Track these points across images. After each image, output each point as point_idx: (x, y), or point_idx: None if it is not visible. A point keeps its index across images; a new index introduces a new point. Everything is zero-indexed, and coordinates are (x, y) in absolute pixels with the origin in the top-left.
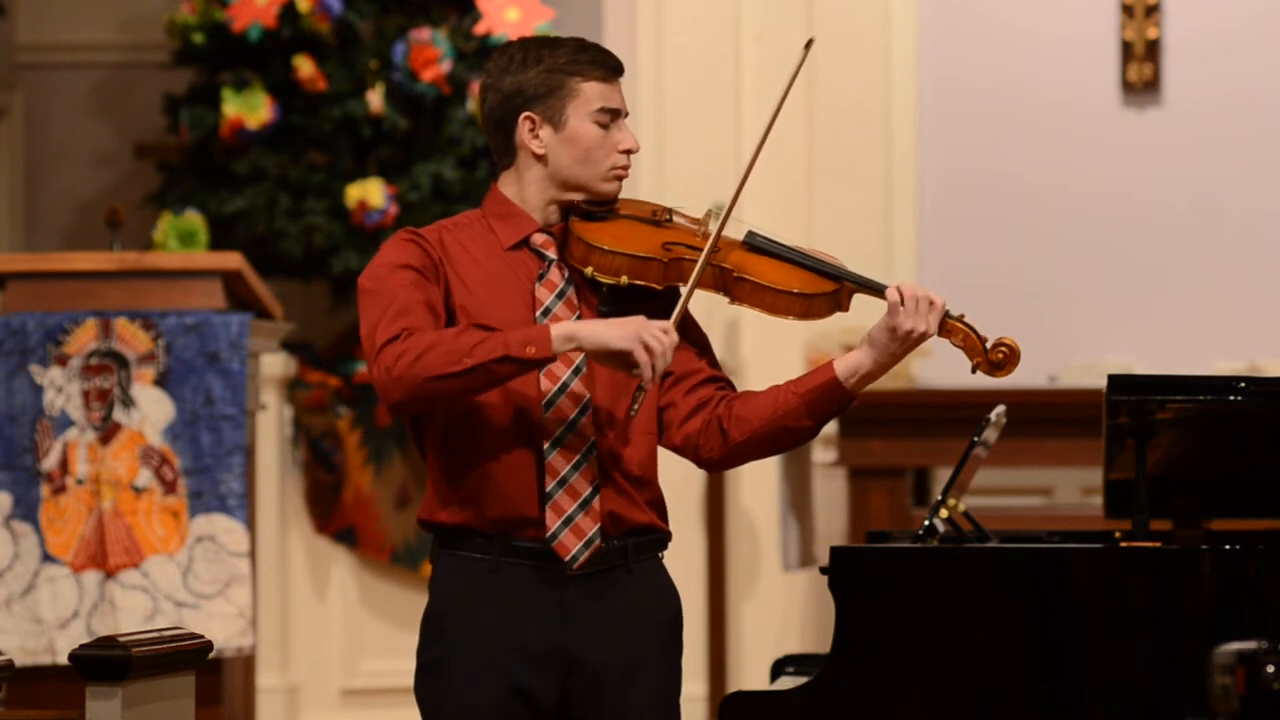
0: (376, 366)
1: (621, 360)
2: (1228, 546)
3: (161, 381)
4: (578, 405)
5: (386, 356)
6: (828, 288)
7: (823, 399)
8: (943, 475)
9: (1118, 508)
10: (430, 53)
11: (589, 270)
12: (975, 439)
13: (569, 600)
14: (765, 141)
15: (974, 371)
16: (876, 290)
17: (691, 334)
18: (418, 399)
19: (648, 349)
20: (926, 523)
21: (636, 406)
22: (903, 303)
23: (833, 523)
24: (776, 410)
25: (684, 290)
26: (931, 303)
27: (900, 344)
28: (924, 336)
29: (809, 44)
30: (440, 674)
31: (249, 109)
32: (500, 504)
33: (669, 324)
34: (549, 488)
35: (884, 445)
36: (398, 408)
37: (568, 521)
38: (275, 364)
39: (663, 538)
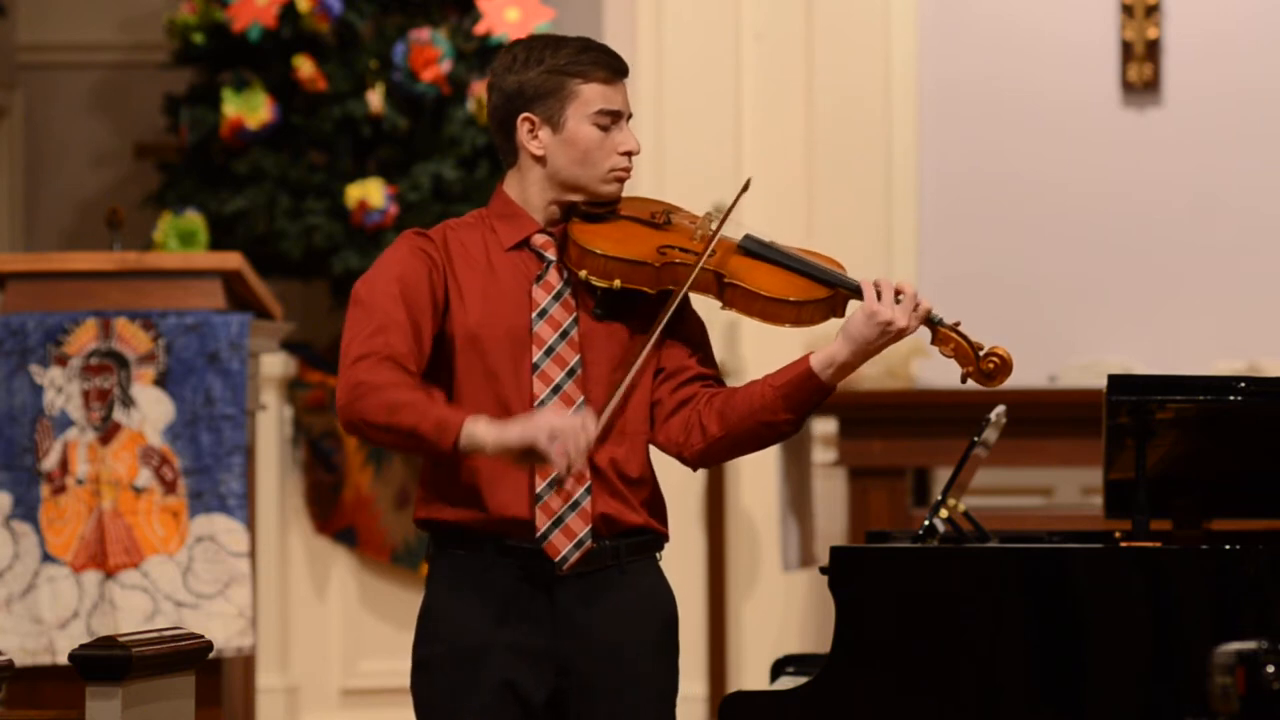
0: (339, 383)
1: (532, 456)
2: (1228, 546)
3: (161, 381)
4: (570, 407)
5: (348, 378)
6: (821, 294)
7: (798, 391)
8: (943, 475)
9: (1118, 508)
10: (430, 53)
11: (583, 273)
12: (975, 439)
13: (560, 600)
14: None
15: (964, 381)
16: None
17: (688, 329)
18: (357, 433)
19: (554, 436)
20: (926, 523)
21: (556, 477)
22: (880, 295)
23: (833, 523)
24: (753, 404)
25: (677, 291)
26: (917, 304)
27: (877, 335)
28: (901, 331)
29: (747, 184)
30: (432, 671)
31: (249, 109)
32: (491, 504)
33: (591, 415)
34: (539, 489)
35: (884, 445)
36: (344, 429)
37: (558, 522)
38: (275, 364)
39: (658, 539)
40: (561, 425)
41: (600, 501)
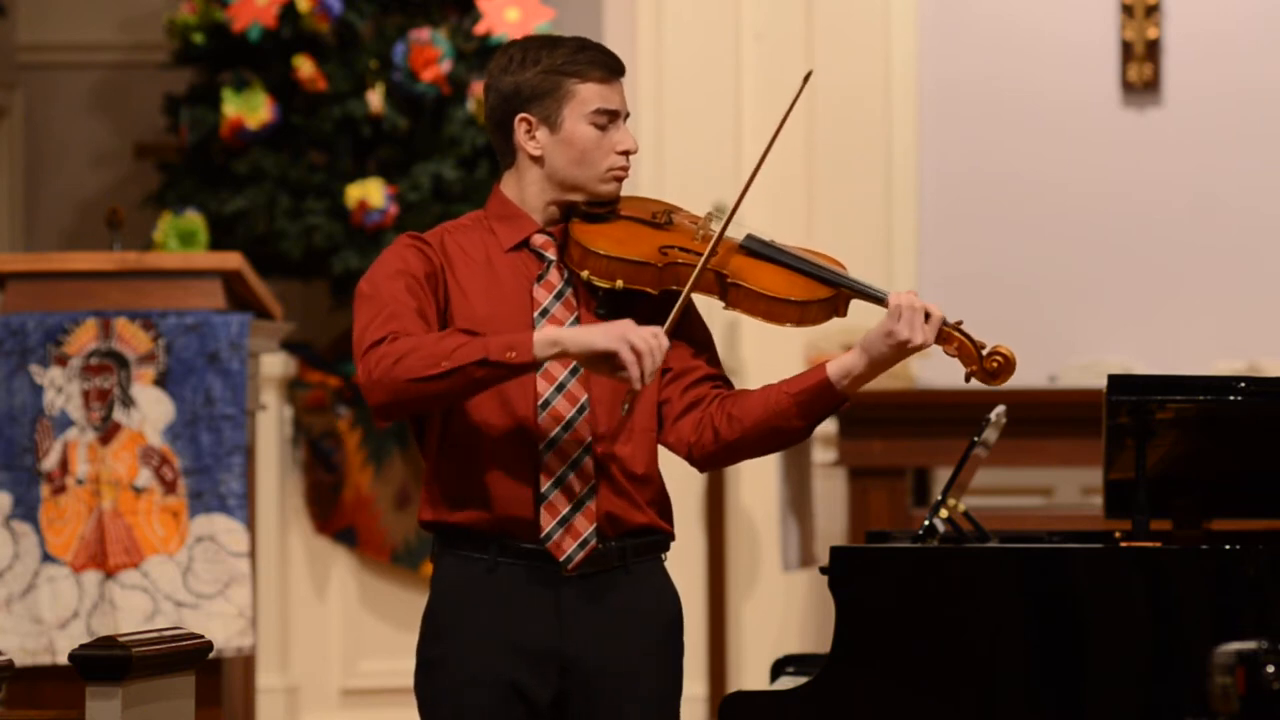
0: (361, 369)
1: (609, 363)
2: (1228, 546)
3: (161, 381)
4: (574, 405)
5: (370, 359)
6: (824, 294)
7: (815, 400)
8: (943, 475)
9: (1118, 508)
10: (430, 53)
11: (585, 274)
12: (975, 439)
13: (566, 601)
14: (766, 158)
15: (968, 380)
16: (875, 298)
17: (693, 330)
18: (399, 402)
19: (635, 350)
20: (926, 523)
21: (627, 407)
22: (901, 316)
23: (833, 523)
24: (768, 410)
25: (681, 291)
26: (929, 315)
27: (895, 352)
28: (918, 347)
29: (808, 76)
30: (437, 672)
31: (249, 109)
32: (496, 504)
33: (660, 329)
34: (544, 488)
35: (884, 445)
36: (381, 411)
37: (563, 522)
38: (275, 364)
39: (663, 539)
40: (639, 339)
41: (605, 500)
